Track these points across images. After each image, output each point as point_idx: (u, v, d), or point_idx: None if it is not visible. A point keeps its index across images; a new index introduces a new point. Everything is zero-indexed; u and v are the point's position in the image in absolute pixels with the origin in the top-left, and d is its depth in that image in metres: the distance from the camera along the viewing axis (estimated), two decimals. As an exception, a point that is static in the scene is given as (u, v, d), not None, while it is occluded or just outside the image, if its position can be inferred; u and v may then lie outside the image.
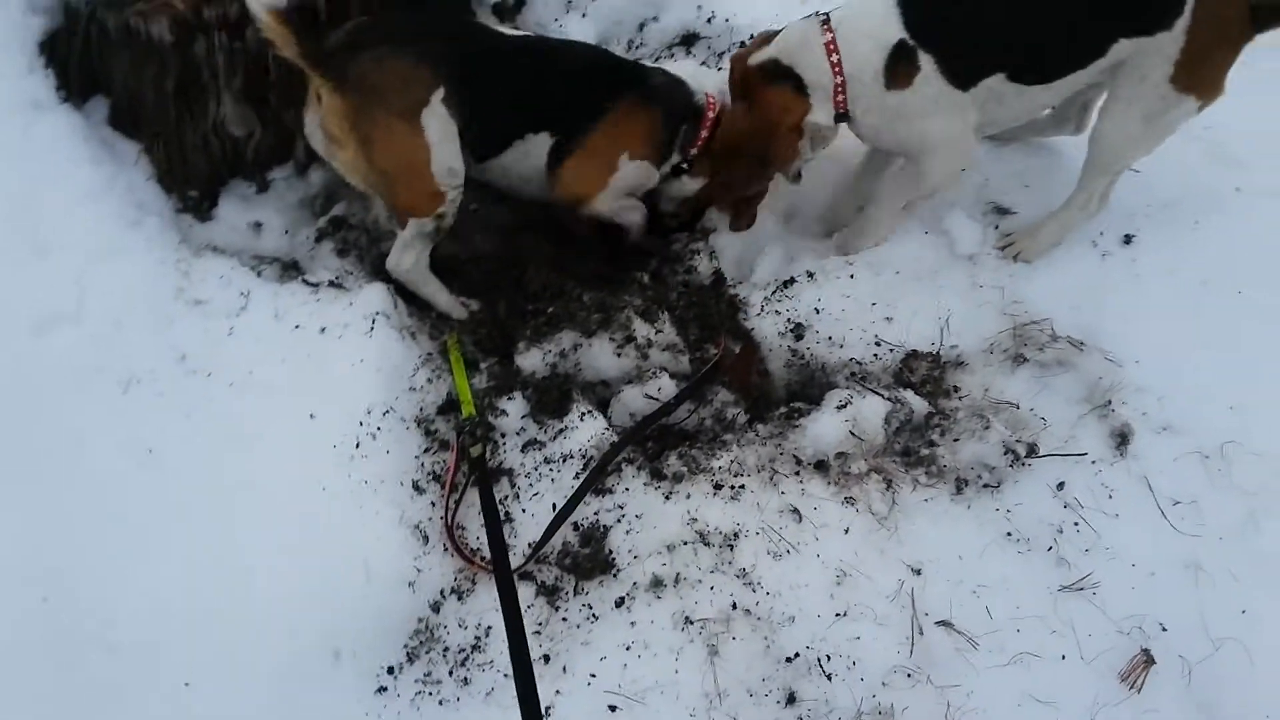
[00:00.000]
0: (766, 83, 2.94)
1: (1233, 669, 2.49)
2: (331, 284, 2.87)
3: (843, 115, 2.94)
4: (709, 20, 3.69)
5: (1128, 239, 3.16)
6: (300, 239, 3.08)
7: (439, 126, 2.72)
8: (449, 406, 2.77)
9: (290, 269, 3.00)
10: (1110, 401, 2.85)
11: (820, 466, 2.68)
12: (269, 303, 2.77)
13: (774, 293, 3.02)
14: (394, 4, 3.09)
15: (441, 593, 2.54)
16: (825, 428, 2.71)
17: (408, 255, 2.90)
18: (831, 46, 2.86)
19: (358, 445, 2.58)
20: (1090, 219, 3.11)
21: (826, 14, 2.91)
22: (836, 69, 2.86)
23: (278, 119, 3.06)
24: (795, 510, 2.59)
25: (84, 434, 2.47)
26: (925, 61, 2.79)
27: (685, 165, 3.14)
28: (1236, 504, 2.73)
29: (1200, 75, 2.77)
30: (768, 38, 3.00)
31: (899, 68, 2.81)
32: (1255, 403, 2.86)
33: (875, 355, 2.93)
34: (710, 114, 3.08)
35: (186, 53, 2.86)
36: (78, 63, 2.92)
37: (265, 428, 2.56)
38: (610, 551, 2.54)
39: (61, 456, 2.43)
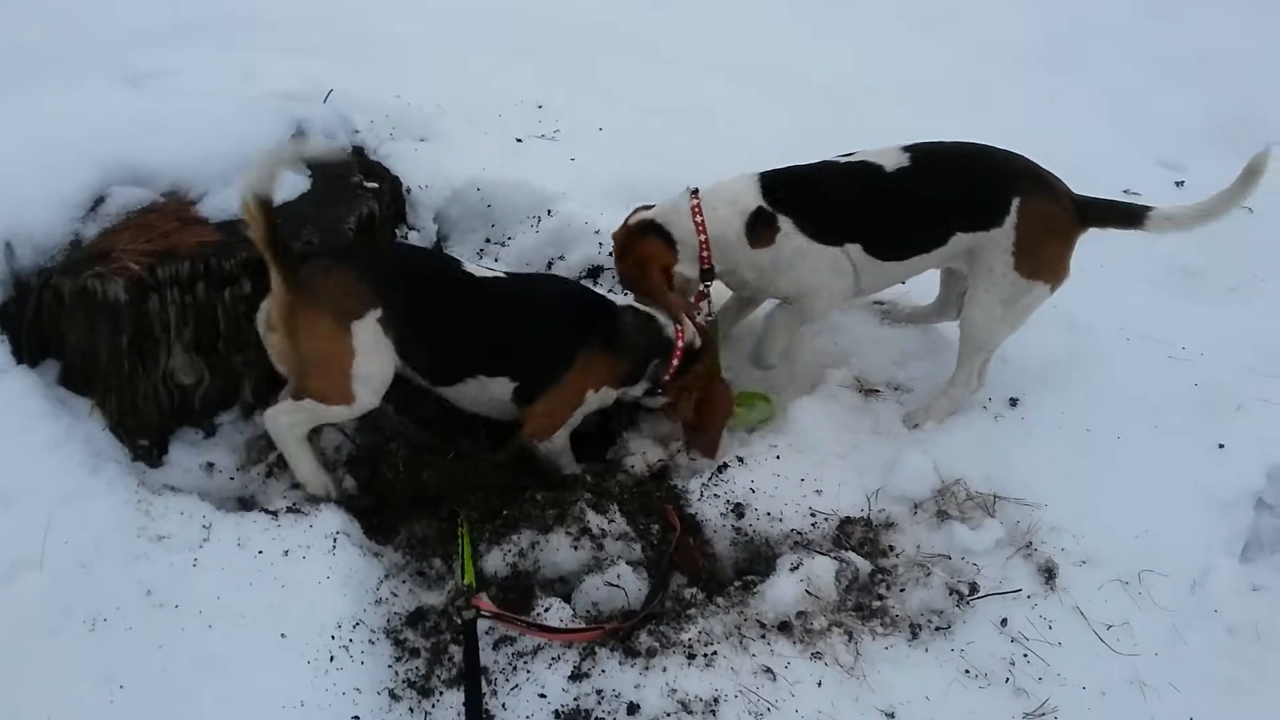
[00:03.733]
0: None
1: (1194, 773, 2.64)
2: (290, 510, 2.94)
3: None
4: (611, 254, 4.07)
5: (1013, 402, 3.53)
6: (252, 476, 3.17)
7: (368, 340, 2.92)
8: (417, 617, 2.81)
9: (246, 504, 3.07)
10: (1031, 542, 3.11)
11: (784, 627, 2.80)
12: (231, 532, 2.81)
13: (710, 479, 3.22)
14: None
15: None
16: (782, 590, 2.86)
17: (287, 418, 3.00)
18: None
19: (331, 659, 2.59)
20: (973, 394, 3.48)
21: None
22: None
23: (225, 364, 3.21)
24: (768, 670, 2.69)
25: (55, 675, 2.42)
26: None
27: (659, 391, 3.34)
28: (1161, 621, 2.96)
29: (1040, 264, 3.23)
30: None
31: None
32: (1155, 531, 3.17)
33: (813, 524, 3.13)
34: (679, 345, 3.27)
35: (140, 309, 3.03)
36: (29, 328, 3.05)
37: (238, 651, 2.55)
38: (595, 734, 2.57)
39: (34, 699, 2.37)
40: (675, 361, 3.27)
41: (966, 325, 3.39)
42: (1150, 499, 3.24)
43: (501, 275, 3.27)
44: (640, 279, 3.38)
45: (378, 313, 2.93)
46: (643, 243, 3.38)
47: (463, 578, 2.80)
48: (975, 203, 3.23)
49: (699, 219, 3.31)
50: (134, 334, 3.05)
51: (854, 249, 3.28)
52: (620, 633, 2.77)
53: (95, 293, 2.98)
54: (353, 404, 2.97)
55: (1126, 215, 3.23)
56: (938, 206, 3.25)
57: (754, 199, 3.30)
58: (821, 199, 3.29)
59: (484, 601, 2.74)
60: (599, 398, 3.27)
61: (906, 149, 3.27)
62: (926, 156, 3.25)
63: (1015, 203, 3.18)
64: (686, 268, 3.36)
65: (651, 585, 2.91)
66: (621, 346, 3.23)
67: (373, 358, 2.95)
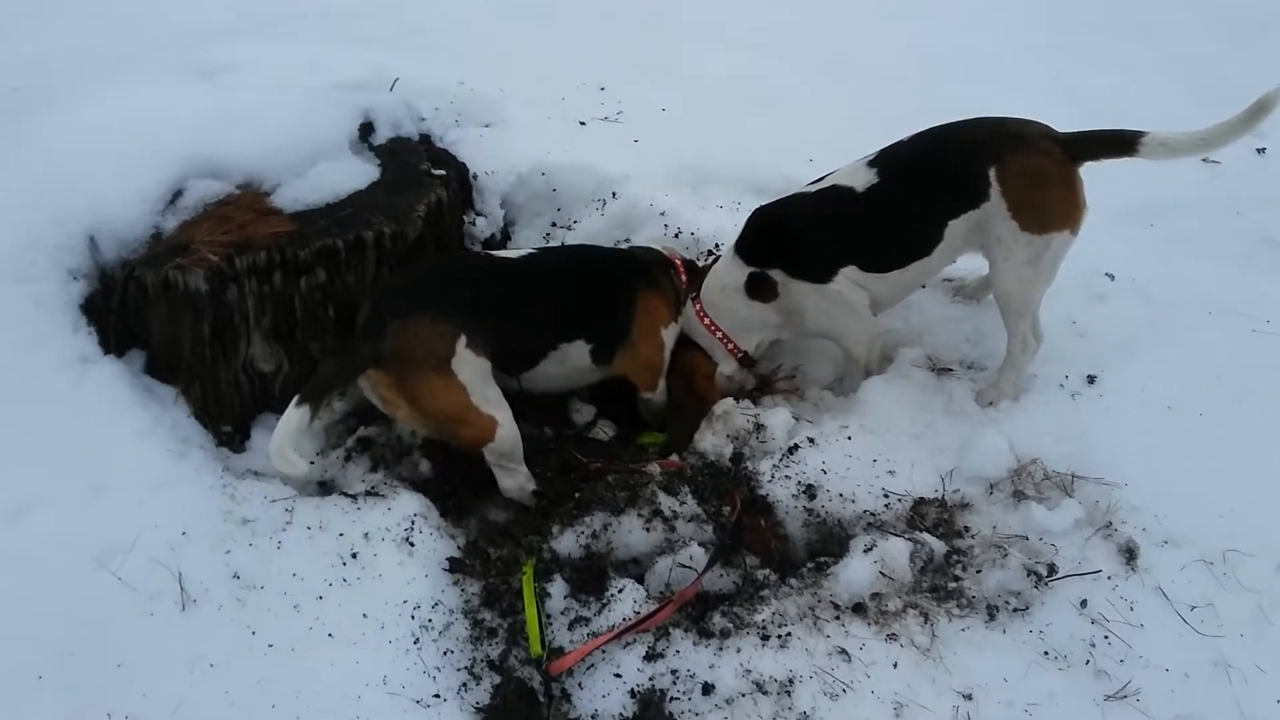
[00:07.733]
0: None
1: (1283, 757, 2.58)
2: (369, 494, 3.01)
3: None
4: (675, 235, 4.07)
5: (1091, 379, 3.45)
6: (331, 460, 3.24)
7: (469, 369, 2.99)
8: (494, 597, 2.86)
9: (326, 488, 3.14)
10: (1111, 522, 3.04)
11: (858, 609, 2.80)
12: (312, 515, 2.89)
13: (780, 460, 3.21)
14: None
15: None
16: (856, 572, 2.85)
17: (510, 478, 3.16)
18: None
19: (415, 640, 2.65)
20: (1034, 355, 3.41)
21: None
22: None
23: (303, 352, 3.29)
24: (843, 651, 2.68)
25: (147, 655, 2.51)
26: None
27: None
28: (1246, 602, 2.89)
29: (1047, 215, 3.15)
30: None
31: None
32: (1240, 510, 3.08)
33: (886, 506, 3.11)
34: (678, 262, 3.59)
35: (220, 299, 3.11)
36: (115, 319, 3.15)
37: (322, 631, 2.63)
38: (670, 714, 2.58)
39: (126, 678, 2.47)
40: (684, 276, 3.57)
41: (1002, 298, 3.33)
42: (1234, 477, 3.15)
43: (531, 251, 3.45)
44: (687, 391, 3.52)
45: (464, 339, 2.98)
46: (684, 357, 3.54)
47: (535, 642, 2.73)
48: (954, 189, 3.19)
49: (706, 322, 3.48)
50: (215, 323, 3.14)
51: (850, 271, 3.30)
52: (688, 603, 2.79)
53: (177, 284, 3.07)
54: (501, 427, 3.05)
55: (1118, 144, 3.12)
56: (919, 209, 3.24)
57: (740, 271, 3.40)
58: (799, 242, 3.33)
59: (559, 663, 2.67)
60: (672, 333, 3.50)
61: (872, 163, 3.25)
62: (892, 164, 3.23)
63: (992, 173, 3.13)
64: (726, 367, 3.54)
65: (711, 555, 2.91)
66: (657, 276, 3.50)
67: (482, 379, 3.03)
